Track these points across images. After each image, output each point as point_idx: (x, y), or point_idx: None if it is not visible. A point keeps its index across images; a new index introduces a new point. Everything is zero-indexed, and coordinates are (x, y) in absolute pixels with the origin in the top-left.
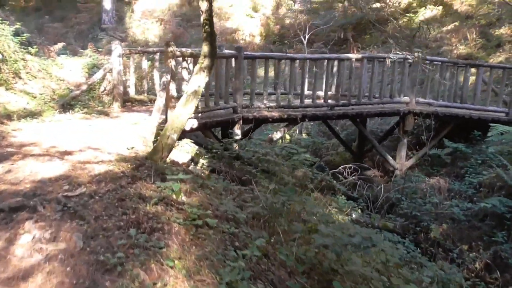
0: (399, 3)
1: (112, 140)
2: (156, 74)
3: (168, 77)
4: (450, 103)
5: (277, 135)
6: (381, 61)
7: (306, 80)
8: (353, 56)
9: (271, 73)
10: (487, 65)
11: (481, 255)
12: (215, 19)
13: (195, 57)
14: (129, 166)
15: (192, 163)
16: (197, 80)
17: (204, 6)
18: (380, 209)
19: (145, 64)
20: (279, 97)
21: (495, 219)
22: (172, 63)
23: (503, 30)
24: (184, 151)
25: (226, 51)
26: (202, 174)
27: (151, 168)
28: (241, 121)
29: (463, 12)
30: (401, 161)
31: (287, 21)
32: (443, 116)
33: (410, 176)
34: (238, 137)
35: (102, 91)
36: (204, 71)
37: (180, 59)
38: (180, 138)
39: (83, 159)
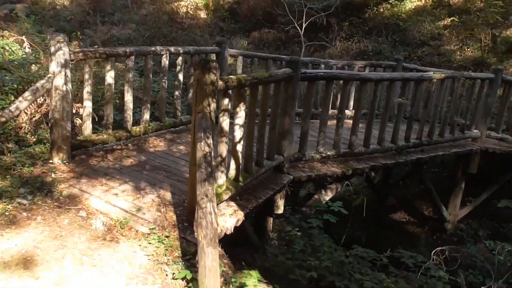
0: None
1: None
2: (128, 95)
3: (209, 141)
4: None
5: (326, 196)
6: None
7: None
8: (436, 76)
9: None
10: None
11: None
12: None
13: (241, 88)
14: None
15: None
16: None
17: None
18: None
19: (111, 76)
20: (340, 140)
21: None
22: (211, 106)
23: (510, 32)
24: None
25: (280, 71)
26: None
27: None
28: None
29: (456, 5)
30: (455, 211)
31: None
32: None
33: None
34: (280, 211)
35: (25, 121)
36: None
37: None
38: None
39: None
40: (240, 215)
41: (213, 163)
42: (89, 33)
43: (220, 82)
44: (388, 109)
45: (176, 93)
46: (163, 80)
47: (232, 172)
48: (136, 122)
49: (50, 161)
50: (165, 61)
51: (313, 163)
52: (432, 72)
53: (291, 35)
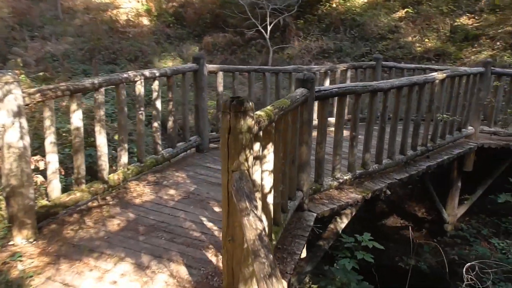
0: None
1: None
2: (101, 137)
3: (259, 212)
4: None
5: (342, 223)
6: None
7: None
8: (439, 76)
9: None
10: None
11: None
12: None
13: (269, 124)
14: None
15: None
16: None
17: None
18: None
19: (78, 118)
20: (355, 160)
21: None
22: (250, 160)
23: (464, 20)
24: None
25: (298, 94)
26: None
27: None
28: None
29: None
30: (454, 212)
31: None
32: None
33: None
34: (303, 255)
35: None
36: None
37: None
38: None
39: None
40: (283, 285)
41: None
42: (18, 51)
43: (253, 123)
44: (398, 118)
45: (155, 124)
46: (140, 112)
47: None
48: (110, 167)
49: (11, 242)
50: (140, 88)
51: (329, 191)
52: (436, 73)
53: (248, 38)
